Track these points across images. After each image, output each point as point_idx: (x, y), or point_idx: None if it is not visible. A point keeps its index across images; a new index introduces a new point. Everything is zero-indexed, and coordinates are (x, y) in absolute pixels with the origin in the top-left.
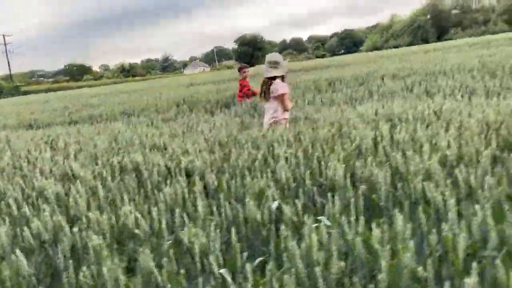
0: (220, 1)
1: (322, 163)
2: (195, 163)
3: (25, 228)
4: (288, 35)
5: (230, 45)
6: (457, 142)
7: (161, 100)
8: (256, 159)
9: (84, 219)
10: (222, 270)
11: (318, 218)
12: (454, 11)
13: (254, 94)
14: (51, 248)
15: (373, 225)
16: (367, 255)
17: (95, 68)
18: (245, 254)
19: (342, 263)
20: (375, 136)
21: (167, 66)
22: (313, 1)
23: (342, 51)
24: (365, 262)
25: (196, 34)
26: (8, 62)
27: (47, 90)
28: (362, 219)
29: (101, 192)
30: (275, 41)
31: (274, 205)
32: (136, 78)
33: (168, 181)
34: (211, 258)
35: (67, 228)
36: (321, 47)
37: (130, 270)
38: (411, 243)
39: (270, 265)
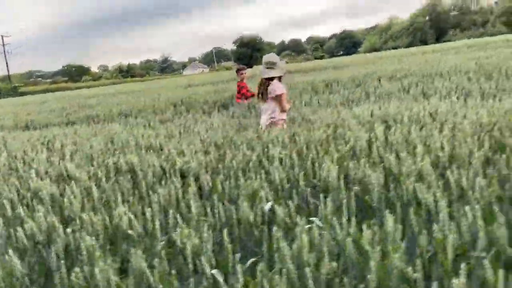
0: (219, 2)
1: (316, 164)
2: (190, 164)
3: (19, 229)
4: (287, 36)
5: (229, 46)
6: (451, 143)
7: (158, 101)
8: (250, 160)
9: (78, 220)
10: (214, 271)
11: (311, 219)
12: (452, 13)
13: (252, 95)
14: (44, 249)
15: (364, 226)
16: (357, 256)
17: (94, 68)
18: (238, 255)
19: (334, 264)
20: (370, 137)
21: (166, 67)
22: (312, 2)
23: (341, 52)
24: (355, 263)
25: (195, 35)
26: (7, 63)
27: (45, 91)
28: (353, 220)
29: (95, 193)
30: (273, 42)
31: (267, 206)
32: (135, 79)
33: (163, 182)
34: (203, 259)
35: (60, 229)
36: (319, 48)
37: (123, 271)
38: (401, 244)
39: (261, 266)
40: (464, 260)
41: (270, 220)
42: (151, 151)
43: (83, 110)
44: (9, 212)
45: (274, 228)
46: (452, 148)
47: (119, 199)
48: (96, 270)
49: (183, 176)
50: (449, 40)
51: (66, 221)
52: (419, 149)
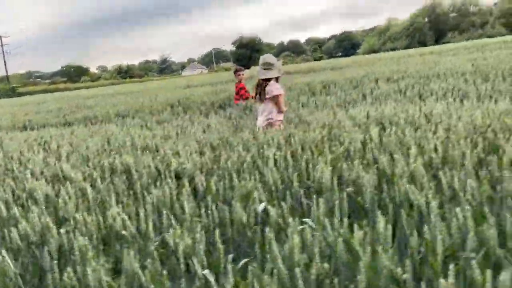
0: (218, 2)
1: (310, 165)
2: (185, 165)
3: (13, 229)
4: (286, 37)
5: (228, 47)
6: (444, 145)
7: (156, 101)
8: (245, 161)
9: (72, 221)
10: (206, 271)
11: (303, 220)
12: (452, 14)
13: (248, 98)
14: (38, 249)
15: (355, 227)
16: (348, 256)
17: (93, 69)
18: (231, 255)
19: (326, 265)
20: (364, 139)
21: (165, 68)
22: (312, 3)
23: (340, 53)
24: (346, 264)
25: (195, 36)
26: (5, 63)
27: (43, 92)
28: (345, 221)
29: (90, 194)
30: (273, 43)
31: (261, 207)
32: (133, 79)
33: (158, 183)
34: (195, 260)
35: (54, 230)
36: (318, 49)
37: (117, 272)
38: (391, 245)
39: (252, 266)
40: (454, 261)
41: (263, 221)
42: (147, 152)
43: (81, 110)
44: (4, 212)
45: (267, 229)
46: (445, 149)
47: (114, 200)
48: (88, 270)
49: (178, 177)
50: (448, 42)
51: (60, 222)
52: (413, 150)
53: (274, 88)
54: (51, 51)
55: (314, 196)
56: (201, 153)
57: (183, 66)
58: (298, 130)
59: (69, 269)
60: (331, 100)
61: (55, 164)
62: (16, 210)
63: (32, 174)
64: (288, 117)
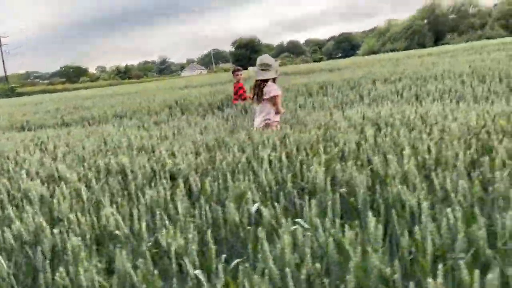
0: (218, 3)
1: (304, 166)
2: (180, 166)
3: (6, 230)
4: (285, 38)
5: (228, 48)
6: (439, 146)
7: (153, 102)
8: (239, 162)
9: (66, 221)
10: (197, 271)
11: (296, 220)
12: (451, 16)
13: (245, 98)
14: (31, 249)
15: (346, 227)
16: (339, 256)
17: (92, 70)
18: (224, 256)
19: (318, 265)
20: (359, 140)
21: (164, 69)
22: (312, 4)
23: (339, 54)
24: (337, 264)
25: (194, 37)
26: (4, 63)
27: (42, 92)
28: (337, 221)
29: (84, 194)
30: (272, 44)
31: (254, 207)
32: (132, 80)
33: (153, 184)
34: (187, 260)
35: (48, 230)
36: (318, 50)
37: (110, 272)
38: (380, 245)
39: (242, 266)
40: (443, 261)
41: (257, 221)
42: (143, 152)
43: (78, 111)
44: None
45: (259, 229)
46: (439, 150)
47: (108, 200)
48: (81, 270)
49: (173, 177)
50: (447, 43)
51: (54, 222)
52: (406, 151)
53: (272, 89)
54: (51, 51)
55: (308, 197)
56: (197, 154)
57: (182, 67)
58: (293, 131)
59: (61, 269)
60: (328, 101)
61: (50, 164)
62: (10, 210)
63: (28, 174)
64: (285, 118)
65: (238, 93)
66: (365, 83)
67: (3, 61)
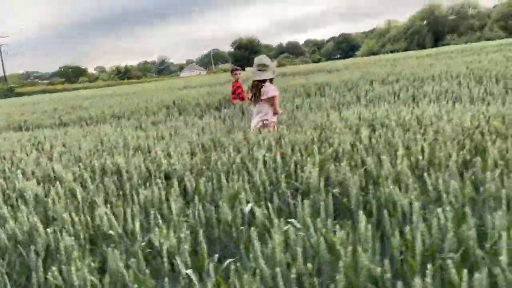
0: (218, 4)
1: (299, 166)
2: (175, 166)
3: (0, 229)
4: (285, 39)
5: (227, 49)
6: (432, 146)
7: (151, 103)
8: (234, 162)
9: (61, 220)
10: (189, 271)
11: (289, 220)
12: (450, 17)
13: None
14: (25, 248)
15: (337, 227)
16: (330, 256)
17: (91, 70)
18: (216, 255)
19: (310, 265)
20: (354, 140)
21: (163, 69)
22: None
23: (339, 55)
24: (328, 263)
25: (193, 37)
26: (2, 63)
27: (41, 92)
28: (329, 221)
29: (79, 194)
30: (271, 44)
31: (247, 207)
32: (131, 80)
33: (148, 184)
34: (178, 259)
35: (41, 229)
36: (317, 51)
37: (104, 271)
38: (370, 245)
39: (233, 266)
40: (433, 260)
41: (250, 221)
42: (139, 152)
43: (76, 111)
44: None
45: (251, 229)
46: (432, 151)
47: (103, 200)
48: (73, 269)
49: (168, 177)
50: (447, 44)
51: (49, 222)
52: (400, 152)
53: (269, 89)
54: (51, 51)
55: (301, 197)
56: (192, 154)
57: (181, 67)
58: (289, 132)
59: (53, 268)
60: (325, 102)
61: (46, 164)
62: (5, 210)
63: (23, 174)
64: (282, 119)
65: (236, 92)
66: (363, 84)
67: (2, 61)
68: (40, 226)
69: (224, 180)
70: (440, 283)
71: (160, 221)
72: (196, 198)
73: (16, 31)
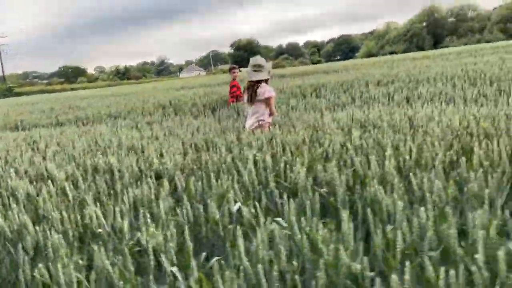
0: (218, 4)
1: (288, 166)
2: (167, 166)
3: None
4: (284, 40)
5: (227, 50)
6: (420, 147)
7: (148, 103)
8: (225, 162)
9: (50, 218)
10: (174, 268)
11: (275, 219)
12: (450, 19)
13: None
14: (14, 246)
15: (320, 226)
16: (313, 254)
17: (90, 70)
18: (204, 254)
19: (294, 263)
20: (344, 141)
21: (162, 70)
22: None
23: (338, 57)
24: (310, 261)
25: (193, 38)
26: (2, 63)
27: (40, 92)
28: (314, 220)
29: (69, 193)
30: (271, 45)
31: (235, 207)
32: (130, 81)
33: (139, 183)
34: (164, 257)
35: (31, 227)
36: (317, 52)
37: (92, 269)
38: (351, 243)
39: (216, 263)
40: (413, 258)
41: (238, 220)
42: (133, 152)
43: (73, 111)
44: None
45: (237, 228)
46: (419, 151)
47: (94, 198)
48: (59, 267)
49: (159, 177)
50: (446, 46)
51: (39, 220)
52: (388, 152)
53: (266, 90)
54: (50, 52)
55: (287, 196)
56: (185, 154)
57: (180, 68)
58: (282, 132)
59: (40, 265)
60: (320, 103)
61: (40, 163)
62: None
63: (17, 173)
64: (276, 119)
65: (231, 91)
66: (358, 85)
67: (1, 61)
68: (29, 224)
69: (213, 180)
70: (418, 281)
71: (149, 220)
72: (185, 197)
73: (15, 31)
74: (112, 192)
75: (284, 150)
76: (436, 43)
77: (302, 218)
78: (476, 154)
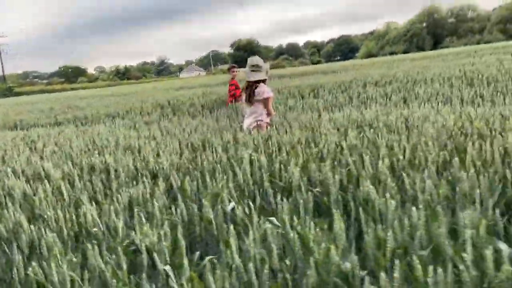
0: (218, 5)
1: (282, 166)
2: (163, 165)
3: None
4: (284, 40)
5: (227, 50)
6: (414, 147)
7: (146, 103)
8: (221, 161)
9: (46, 217)
10: (167, 267)
11: (269, 219)
12: (450, 20)
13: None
14: (10, 245)
15: (312, 225)
16: (304, 253)
17: (91, 70)
18: (198, 253)
19: (287, 261)
20: (339, 141)
21: (162, 70)
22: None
23: (338, 57)
24: (302, 259)
25: (193, 38)
26: (2, 63)
27: (40, 92)
28: (307, 219)
29: (65, 192)
30: (271, 46)
31: (230, 206)
32: (130, 81)
33: (135, 182)
34: (157, 256)
35: (26, 226)
36: (317, 52)
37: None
38: (343, 242)
39: (207, 262)
40: (403, 257)
41: (232, 219)
42: (130, 152)
43: (72, 111)
44: None
45: (231, 227)
46: (413, 151)
47: (90, 197)
48: (53, 265)
49: (156, 176)
50: (446, 47)
51: (35, 219)
52: (382, 152)
53: (264, 90)
54: (50, 51)
55: (280, 196)
56: (181, 154)
57: (180, 68)
58: (278, 132)
59: (34, 264)
60: (318, 103)
61: (37, 162)
62: None
63: (14, 172)
64: (275, 120)
65: (229, 89)
66: (356, 86)
67: (1, 61)
68: (24, 223)
69: (208, 179)
70: (407, 279)
71: (144, 219)
72: (181, 196)
73: (15, 31)
74: (108, 191)
75: (280, 150)
76: (436, 44)
77: (295, 217)
78: (469, 154)
